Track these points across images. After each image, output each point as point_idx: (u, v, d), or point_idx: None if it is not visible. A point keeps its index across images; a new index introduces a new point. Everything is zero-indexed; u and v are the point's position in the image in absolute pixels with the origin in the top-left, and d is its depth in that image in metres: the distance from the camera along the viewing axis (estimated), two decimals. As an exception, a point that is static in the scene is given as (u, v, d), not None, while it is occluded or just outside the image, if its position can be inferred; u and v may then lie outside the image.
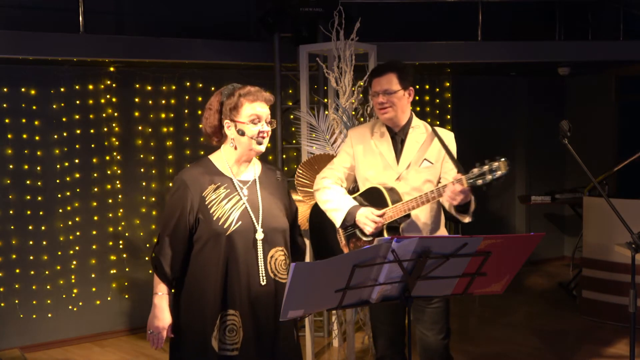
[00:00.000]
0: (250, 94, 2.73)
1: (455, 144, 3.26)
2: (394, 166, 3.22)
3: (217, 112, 2.79)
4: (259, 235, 2.73)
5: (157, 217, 5.88)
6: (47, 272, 5.47)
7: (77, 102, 5.55)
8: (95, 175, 5.65)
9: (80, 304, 5.62)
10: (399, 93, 3.18)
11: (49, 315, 5.50)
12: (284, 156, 5.71)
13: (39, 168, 5.43)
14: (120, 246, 5.77)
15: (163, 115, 5.89)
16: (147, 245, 5.85)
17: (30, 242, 5.41)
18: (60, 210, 5.51)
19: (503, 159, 2.80)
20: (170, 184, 5.72)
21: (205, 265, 2.72)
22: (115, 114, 5.71)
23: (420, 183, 3.20)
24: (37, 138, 5.41)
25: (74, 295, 5.59)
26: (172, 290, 2.81)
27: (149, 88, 5.82)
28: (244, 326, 2.70)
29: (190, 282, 2.75)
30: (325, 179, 3.36)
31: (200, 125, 2.88)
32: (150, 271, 6.05)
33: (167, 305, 2.76)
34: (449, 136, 3.27)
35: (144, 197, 5.85)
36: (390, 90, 3.17)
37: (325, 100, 5.13)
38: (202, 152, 5.78)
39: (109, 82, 5.67)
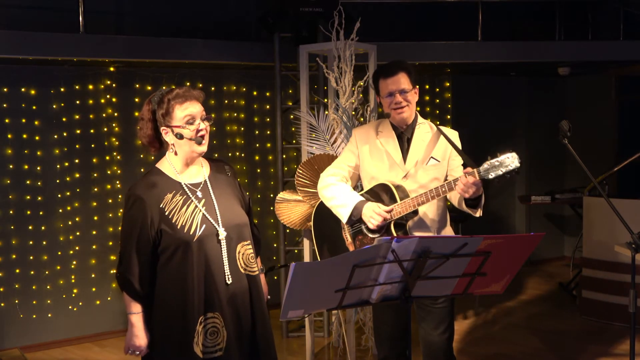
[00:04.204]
0: (178, 96, 2.69)
1: (460, 143, 3.28)
2: (401, 165, 3.23)
3: (150, 121, 2.76)
4: (222, 235, 2.71)
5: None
6: (47, 272, 5.47)
7: (77, 102, 5.55)
8: (95, 175, 5.65)
9: (80, 304, 5.62)
10: (411, 92, 3.22)
11: (49, 315, 5.50)
12: (284, 156, 5.70)
13: (39, 168, 5.43)
14: (120, 246, 5.76)
15: (163, 115, 5.87)
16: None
17: (30, 242, 5.41)
18: (60, 210, 5.51)
19: (513, 153, 2.87)
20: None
21: (178, 274, 2.66)
22: (115, 114, 5.71)
23: (427, 181, 3.21)
24: (37, 138, 5.41)
25: (74, 295, 5.59)
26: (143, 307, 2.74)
27: (149, 88, 5.81)
28: (226, 326, 2.69)
29: (163, 294, 2.69)
30: (330, 176, 3.36)
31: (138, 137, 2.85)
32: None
33: (144, 324, 2.71)
34: (453, 135, 3.29)
35: (144, 197, 5.84)
36: (406, 90, 3.20)
37: (325, 100, 5.12)
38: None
39: (109, 82, 5.67)
